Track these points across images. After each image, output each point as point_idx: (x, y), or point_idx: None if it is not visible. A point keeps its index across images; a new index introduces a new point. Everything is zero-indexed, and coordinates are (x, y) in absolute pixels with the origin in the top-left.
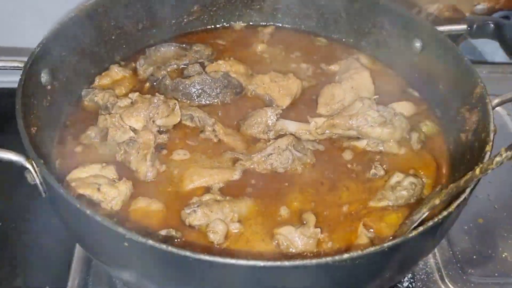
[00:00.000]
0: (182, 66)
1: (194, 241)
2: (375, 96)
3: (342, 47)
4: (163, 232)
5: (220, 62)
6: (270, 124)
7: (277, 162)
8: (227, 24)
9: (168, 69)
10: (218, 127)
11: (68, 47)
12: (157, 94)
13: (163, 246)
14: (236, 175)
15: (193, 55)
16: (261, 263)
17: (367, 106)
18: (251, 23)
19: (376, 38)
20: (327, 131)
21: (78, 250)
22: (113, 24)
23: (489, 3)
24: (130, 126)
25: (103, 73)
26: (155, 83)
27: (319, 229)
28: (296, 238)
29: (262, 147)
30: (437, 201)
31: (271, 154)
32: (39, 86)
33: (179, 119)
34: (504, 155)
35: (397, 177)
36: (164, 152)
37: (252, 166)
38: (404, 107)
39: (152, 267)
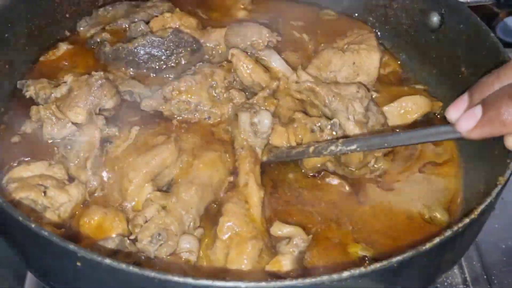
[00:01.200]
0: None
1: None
2: (374, 94)
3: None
4: (110, 243)
5: (167, 15)
6: (259, 43)
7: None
8: None
9: (109, 28)
10: None
11: (11, 28)
12: (93, 72)
13: (123, 266)
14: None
15: (145, 11)
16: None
17: (359, 97)
18: None
19: (384, 12)
20: (304, 92)
21: (30, 276)
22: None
23: None
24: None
25: (49, 52)
26: (93, 47)
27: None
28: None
29: None
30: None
31: None
32: None
33: (120, 98)
34: None
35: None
36: (110, 147)
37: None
38: (416, 103)
39: None
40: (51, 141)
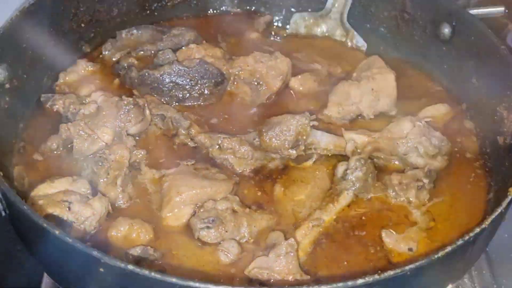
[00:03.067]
0: (157, 52)
1: (177, 263)
2: (428, 119)
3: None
4: (138, 249)
5: (192, 46)
6: (302, 136)
7: None
8: (217, 10)
9: (136, 55)
10: (195, 130)
11: (29, 37)
12: (123, 96)
13: (145, 272)
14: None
15: (171, 39)
16: None
17: (418, 132)
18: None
19: (395, 23)
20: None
21: (46, 280)
22: (83, 10)
23: None
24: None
25: (68, 69)
26: (120, 72)
27: (292, 239)
28: (273, 264)
29: None
30: None
31: None
32: None
33: (149, 123)
34: None
35: (340, 165)
36: (141, 171)
37: None
38: (439, 110)
39: None
40: (81, 157)
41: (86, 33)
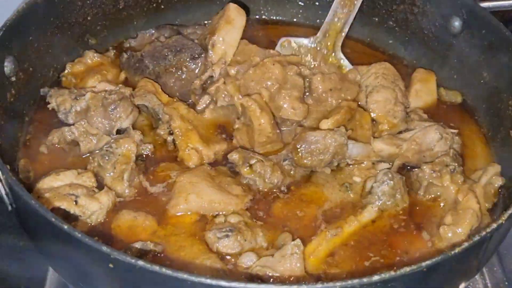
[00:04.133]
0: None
1: (178, 257)
2: (455, 130)
3: None
4: (137, 245)
5: None
6: (338, 155)
7: None
8: None
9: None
10: (175, 125)
11: (35, 30)
12: (106, 95)
13: (156, 268)
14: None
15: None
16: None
17: (444, 144)
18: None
19: (405, 17)
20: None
21: (51, 276)
22: (89, 2)
23: None
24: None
25: (75, 60)
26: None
27: (298, 240)
28: (277, 264)
29: None
30: None
31: None
32: (3, 78)
33: (138, 112)
34: None
35: (369, 180)
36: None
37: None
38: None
39: None
40: (89, 154)
41: (92, 26)
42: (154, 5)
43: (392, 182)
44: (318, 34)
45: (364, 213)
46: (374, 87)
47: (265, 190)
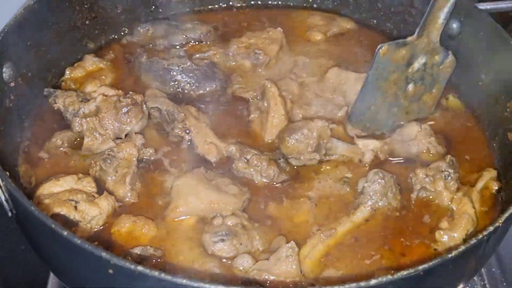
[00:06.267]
0: (170, 46)
1: (177, 261)
2: (431, 122)
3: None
4: (137, 250)
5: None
6: (323, 139)
7: None
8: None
9: (147, 47)
10: (190, 123)
11: (33, 35)
12: (121, 98)
13: (156, 273)
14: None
15: (183, 34)
16: None
17: (426, 134)
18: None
19: (403, 18)
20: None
21: (52, 281)
22: (87, 7)
23: None
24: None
25: (75, 64)
26: (131, 59)
27: (292, 242)
28: (273, 267)
29: None
30: None
31: None
32: (1, 83)
33: (147, 118)
34: None
35: (361, 180)
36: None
37: None
38: None
39: None
40: (88, 154)
41: (90, 30)
42: (152, 7)
43: (383, 181)
44: (417, 30)
45: (357, 213)
46: None
47: (262, 183)
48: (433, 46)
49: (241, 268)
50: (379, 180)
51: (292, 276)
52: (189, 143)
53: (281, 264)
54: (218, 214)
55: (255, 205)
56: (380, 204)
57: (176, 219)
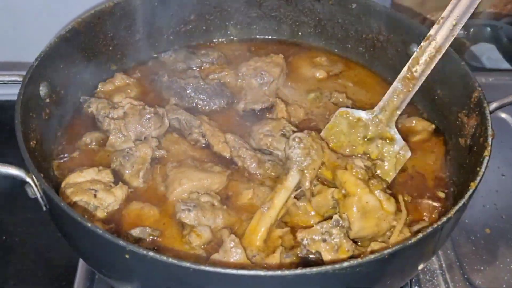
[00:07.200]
0: (187, 68)
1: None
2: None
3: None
4: (136, 232)
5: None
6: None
7: None
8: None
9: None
10: (205, 128)
11: (65, 59)
12: (146, 106)
13: (164, 258)
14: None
15: (199, 58)
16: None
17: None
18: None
19: (372, 43)
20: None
21: (81, 264)
22: (110, 36)
23: (496, 9)
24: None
25: (106, 80)
26: (154, 78)
27: (232, 235)
28: (224, 259)
29: None
30: None
31: None
32: (38, 99)
33: (167, 127)
34: None
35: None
36: (158, 166)
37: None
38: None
39: (155, 278)
40: (111, 150)
41: (113, 54)
42: (164, 37)
43: (302, 144)
44: (375, 108)
45: (288, 177)
46: None
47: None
48: (389, 132)
49: (201, 235)
50: (298, 144)
51: (241, 264)
52: (203, 145)
53: (230, 255)
54: (205, 192)
55: (229, 191)
56: (305, 164)
57: (175, 199)
